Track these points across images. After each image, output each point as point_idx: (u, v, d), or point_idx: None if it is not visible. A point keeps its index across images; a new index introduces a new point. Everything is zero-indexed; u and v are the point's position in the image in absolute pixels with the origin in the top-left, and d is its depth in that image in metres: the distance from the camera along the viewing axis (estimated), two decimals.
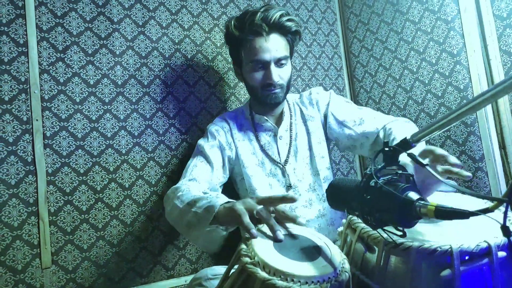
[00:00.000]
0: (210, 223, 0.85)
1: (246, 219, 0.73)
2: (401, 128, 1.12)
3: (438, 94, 1.44)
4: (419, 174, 0.72)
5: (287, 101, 1.36)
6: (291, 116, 1.34)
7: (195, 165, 1.21)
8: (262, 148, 1.29)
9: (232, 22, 1.22)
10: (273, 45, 1.18)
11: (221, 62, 1.57)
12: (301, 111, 1.36)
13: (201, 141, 1.28)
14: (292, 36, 1.25)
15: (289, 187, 1.26)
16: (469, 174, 0.73)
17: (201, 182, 1.15)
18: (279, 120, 1.32)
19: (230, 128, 1.31)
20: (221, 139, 1.27)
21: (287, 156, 1.29)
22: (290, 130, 1.32)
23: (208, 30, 1.56)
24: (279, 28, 1.19)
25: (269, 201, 0.78)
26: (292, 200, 0.76)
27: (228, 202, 0.86)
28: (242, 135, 1.31)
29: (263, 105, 1.29)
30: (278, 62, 1.20)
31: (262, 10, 1.18)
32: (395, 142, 0.78)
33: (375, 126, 1.21)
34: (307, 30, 1.79)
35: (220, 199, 0.89)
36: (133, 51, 1.40)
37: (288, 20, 1.19)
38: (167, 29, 1.47)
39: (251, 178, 1.26)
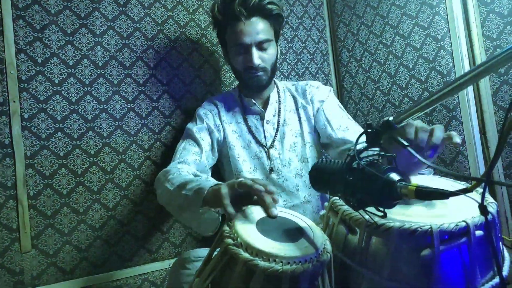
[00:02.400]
0: (201, 205, 0.85)
1: (226, 200, 0.73)
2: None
3: (421, 79, 1.45)
4: (401, 155, 0.73)
5: (277, 87, 1.37)
6: (279, 101, 1.34)
7: (184, 148, 1.22)
8: (250, 130, 1.30)
9: (216, 6, 1.22)
10: (254, 29, 1.18)
11: (205, 44, 1.55)
12: (295, 99, 1.36)
13: (189, 125, 1.29)
14: (274, 19, 1.24)
15: (271, 170, 1.27)
16: (459, 140, 0.74)
17: (191, 164, 1.16)
18: (265, 104, 1.33)
19: (219, 110, 1.32)
20: (209, 122, 1.28)
21: (273, 141, 1.30)
22: (278, 115, 1.32)
23: (192, 11, 1.52)
24: (259, 11, 1.18)
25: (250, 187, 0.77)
26: (271, 194, 0.74)
27: (217, 184, 0.85)
28: (230, 118, 1.32)
29: (248, 88, 1.30)
30: (260, 45, 1.20)
31: None
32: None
33: (356, 137, 1.21)
34: (293, 13, 1.77)
35: (210, 182, 0.88)
36: (114, 32, 1.36)
37: (269, 3, 1.19)
38: (150, 9, 1.43)
39: (237, 160, 1.27)
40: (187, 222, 1.06)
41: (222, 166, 1.35)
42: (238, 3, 1.15)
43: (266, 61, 1.22)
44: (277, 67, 1.32)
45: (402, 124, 0.64)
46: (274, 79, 1.35)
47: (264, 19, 1.20)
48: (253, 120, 1.32)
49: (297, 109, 1.35)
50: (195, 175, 1.08)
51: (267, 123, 1.31)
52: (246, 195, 0.76)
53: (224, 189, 0.75)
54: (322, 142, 1.34)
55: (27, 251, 1.18)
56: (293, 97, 1.37)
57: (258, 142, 1.29)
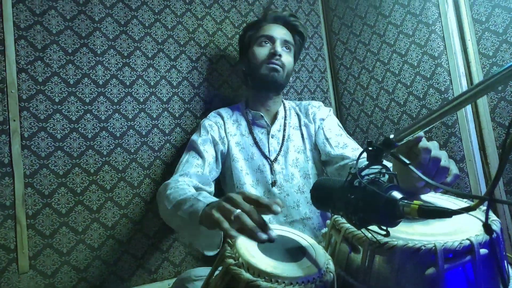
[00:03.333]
0: (198, 227, 0.82)
1: (225, 224, 0.68)
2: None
3: (419, 96, 1.46)
4: (402, 173, 0.73)
5: (284, 104, 1.42)
6: (285, 118, 1.38)
7: (187, 161, 1.21)
8: (255, 142, 1.32)
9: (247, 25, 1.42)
10: (282, 30, 1.34)
11: (205, 63, 1.56)
12: (298, 117, 1.41)
13: (194, 136, 1.29)
14: (297, 35, 1.40)
15: (274, 183, 1.27)
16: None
17: (192, 177, 1.15)
18: (273, 119, 1.37)
19: (224, 122, 1.34)
20: (214, 134, 1.29)
21: (277, 155, 1.31)
22: (284, 130, 1.35)
23: (192, 30, 1.54)
24: (286, 23, 1.36)
25: (254, 201, 0.74)
26: (274, 211, 0.72)
27: (209, 205, 0.80)
28: (235, 130, 1.34)
29: (260, 86, 1.33)
30: (285, 44, 1.32)
31: (273, 10, 1.41)
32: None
33: (354, 154, 1.24)
34: None
35: (201, 202, 0.84)
36: (115, 51, 1.37)
37: (295, 20, 1.38)
38: (150, 29, 1.45)
39: (240, 172, 1.27)
40: (189, 240, 1.05)
41: (224, 179, 1.35)
42: (272, 12, 1.37)
43: (285, 60, 1.31)
44: (289, 81, 1.43)
45: (405, 140, 0.64)
46: (282, 97, 1.41)
47: (290, 32, 1.36)
48: (258, 134, 1.34)
49: (300, 126, 1.38)
50: (196, 188, 1.08)
51: (272, 138, 1.33)
52: None
53: (217, 214, 0.71)
54: (322, 159, 1.36)
55: (25, 271, 1.16)
56: (297, 114, 1.41)
57: (262, 154, 1.30)
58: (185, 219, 0.87)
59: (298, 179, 1.30)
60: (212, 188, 1.21)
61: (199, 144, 1.24)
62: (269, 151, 1.31)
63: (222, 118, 1.35)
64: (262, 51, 1.31)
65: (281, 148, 1.32)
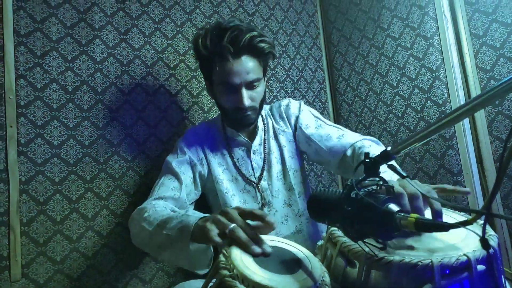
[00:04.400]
0: (189, 243, 0.79)
1: (217, 239, 0.68)
2: (372, 148, 1.09)
3: (417, 109, 1.47)
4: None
5: (261, 115, 1.30)
6: (264, 130, 1.29)
7: (163, 183, 1.13)
8: (235, 165, 1.24)
9: (200, 40, 1.13)
10: (244, 68, 1.09)
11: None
12: (273, 125, 1.31)
13: (169, 157, 1.21)
14: (264, 57, 1.18)
15: (262, 206, 1.22)
16: (467, 189, 0.73)
17: (168, 200, 1.08)
18: (252, 134, 1.27)
19: (202, 143, 1.25)
20: (191, 155, 1.20)
21: (261, 172, 1.24)
22: (264, 144, 1.27)
23: (192, 39, 1.55)
24: (250, 50, 1.10)
25: (249, 214, 0.74)
26: (269, 224, 0.70)
27: (201, 219, 0.79)
28: (215, 150, 1.25)
29: (235, 126, 1.24)
30: (250, 85, 1.12)
31: (230, 30, 1.07)
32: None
33: (341, 143, 1.17)
34: (290, 43, 1.81)
35: (191, 217, 0.82)
36: (114, 59, 1.38)
37: (260, 41, 1.11)
38: (150, 38, 1.46)
39: (226, 194, 1.20)
40: (171, 260, 0.97)
41: (209, 201, 1.29)
42: (227, 41, 1.06)
43: (255, 99, 1.15)
44: (264, 102, 1.24)
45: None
46: None
47: (254, 58, 1.12)
48: (238, 152, 1.26)
49: (275, 135, 1.30)
50: (173, 211, 0.99)
51: (254, 154, 1.25)
52: None
53: (211, 227, 0.71)
54: (313, 159, 1.29)
55: (17, 280, 1.14)
56: (272, 122, 1.32)
57: (244, 177, 1.23)
58: (171, 236, 0.83)
59: (284, 193, 1.25)
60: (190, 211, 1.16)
61: (175, 166, 1.16)
62: (252, 169, 1.25)
63: (200, 138, 1.26)
64: (227, 100, 1.15)
65: (264, 163, 1.25)
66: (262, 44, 1.12)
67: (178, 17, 1.53)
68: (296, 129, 1.28)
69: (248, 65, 1.10)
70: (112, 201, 1.32)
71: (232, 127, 1.25)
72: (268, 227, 0.71)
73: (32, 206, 1.19)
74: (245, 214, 0.73)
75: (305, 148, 1.28)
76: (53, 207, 1.22)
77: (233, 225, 0.69)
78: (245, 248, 0.65)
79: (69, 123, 1.28)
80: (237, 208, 0.74)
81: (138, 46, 1.43)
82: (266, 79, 1.26)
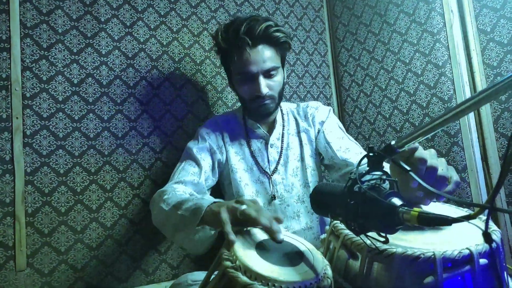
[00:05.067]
0: (198, 224, 0.83)
1: (227, 227, 0.69)
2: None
3: (423, 105, 1.46)
4: (403, 182, 0.72)
5: (281, 110, 1.34)
6: (283, 125, 1.32)
7: (183, 168, 1.17)
8: (252, 154, 1.27)
9: (219, 33, 1.18)
10: (260, 57, 1.14)
11: (209, 66, 1.57)
12: (296, 122, 1.34)
13: (190, 144, 1.25)
14: (281, 46, 1.21)
15: (273, 198, 1.24)
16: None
17: (188, 185, 1.12)
18: (271, 128, 1.30)
19: (222, 131, 1.29)
20: (211, 142, 1.24)
21: (276, 165, 1.27)
22: (282, 139, 1.29)
23: (197, 33, 1.55)
24: (266, 39, 1.15)
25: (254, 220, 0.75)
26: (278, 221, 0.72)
27: (214, 202, 0.82)
28: (233, 140, 1.29)
29: (254, 115, 1.27)
30: (267, 73, 1.16)
31: (247, 21, 1.13)
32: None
33: (357, 159, 1.19)
34: (296, 38, 1.80)
35: (206, 200, 0.85)
36: (120, 52, 1.38)
37: (276, 31, 1.15)
38: (155, 31, 1.46)
39: (239, 183, 1.24)
40: (179, 241, 1.01)
41: (223, 188, 1.33)
42: (243, 32, 1.11)
43: (273, 88, 1.18)
44: (283, 93, 1.28)
45: (406, 148, 0.64)
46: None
47: (271, 47, 1.17)
48: (256, 143, 1.29)
49: (298, 132, 1.32)
50: (191, 195, 1.05)
51: (271, 147, 1.28)
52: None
53: (224, 214, 0.72)
54: (325, 163, 1.32)
55: (22, 269, 1.16)
56: (295, 119, 1.35)
57: (260, 167, 1.26)
58: (185, 217, 0.86)
59: (298, 189, 1.27)
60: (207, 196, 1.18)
61: (196, 152, 1.20)
62: (268, 162, 1.27)
63: (220, 126, 1.30)
64: (246, 89, 1.19)
65: (280, 157, 1.28)
66: (277, 34, 1.15)
67: (183, 11, 1.53)
68: (319, 132, 1.30)
69: (264, 54, 1.15)
70: (116, 193, 1.32)
71: (252, 118, 1.28)
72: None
73: (37, 197, 1.20)
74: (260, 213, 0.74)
75: (323, 152, 1.30)
76: (57, 198, 1.23)
77: (243, 206, 0.71)
78: (256, 221, 0.68)
79: (74, 115, 1.28)
80: (254, 202, 0.76)
81: (143, 39, 1.43)
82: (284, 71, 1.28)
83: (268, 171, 1.26)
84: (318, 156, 1.33)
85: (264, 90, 1.15)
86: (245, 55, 1.13)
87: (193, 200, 0.89)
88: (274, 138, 1.29)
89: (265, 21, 1.14)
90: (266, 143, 1.29)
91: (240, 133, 1.30)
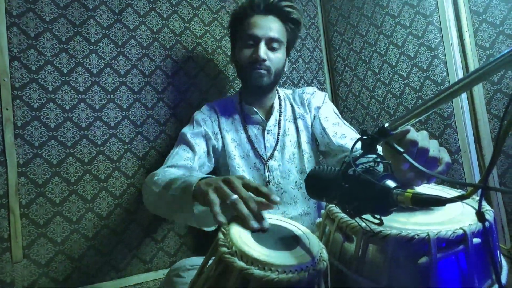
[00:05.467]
0: (192, 203, 0.79)
1: (216, 208, 0.68)
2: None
3: (416, 88, 1.46)
4: (394, 164, 0.72)
5: (278, 95, 1.34)
6: (280, 111, 1.31)
7: (177, 153, 1.16)
8: (249, 140, 1.27)
9: (240, 3, 1.26)
10: (268, 24, 1.18)
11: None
12: (293, 108, 1.33)
13: (185, 129, 1.24)
14: (291, 24, 1.24)
15: (268, 183, 1.24)
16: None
17: (180, 168, 1.10)
18: (268, 114, 1.30)
19: (218, 117, 1.28)
20: (207, 128, 1.23)
21: (273, 152, 1.27)
22: (279, 125, 1.29)
23: (188, 19, 1.53)
24: (277, 11, 1.20)
25: (253, 189, 0.73)
26: (273, 202, 0.70)
27: (204, 178, 0.80)
28: (230, 125, 1.28)
29: (248, 87, 1.26)
30: (270, 43, 1.19)
31: None
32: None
33: (352, 144, 1.19)
34: None
35: (194, 177, 0.83)
36: (109, 39, 1.36)
37: (288, 6, 1.20)
38: (145, 18, 1.44)
39: (237, 169, 1.24)
40: (182, 221, 0.99)
41: (219, 174, 1.32)
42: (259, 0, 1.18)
43: (272, 61, 1.19)
44: (281, 77, 1.29)
45: (398, 130, 0.64)
46: (276, 88, 1.33)
47: (280, 21, 1.21)
48: (253, 129, 1.28)
49: (294, 118, 1.32)
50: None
51: (268, 133, 1.28)
52: None
53: (212, 195, 0.70)
54: (321, 150, 1.32)
55: (18, 261, 1.16)
56: (291, 105, 1.34)
57: (256, 153, 1.26)
58: (176, 196, 0.84)
59: (295, 175, 1.27)
60: None
61: (190, 137, 1.20)
62: (265, 148, 1.26)
63: (216, 112, 1.29)
64: (245, 53, 1.20)
65: (276, 143, 1.27)
66: (289, 9, 1.21)
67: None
68: (315, 118, 1.30)
69: (272, 23, 1.20)
70: (111, 183, 1.32)
71: (250, 101, 1.29)
72: (269, 206, 0.70)
73: (31, 189, 1.19)
74: (249, 187, 0.72)
75: (319, 138, 1.30)
76: (52, 189, 1.22)
77: (235, 196, 0.69)
78: (245, 222, 0.66)
79: (65, 105, 1.27)
80: (241, 178, 0.74)
81: (133, 26, 1.41)
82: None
83: (265, 157, 1.26)
84: (315, 142, 1.33)
85: (263, 55, 1.17)
86: (255, 18, 1.19)
87: (181, 178, 0.87)
88: (271, 124, 1.29)
89: None
90: (263, 129, 1.28)
91: (236, 119, 1.29)
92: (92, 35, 1.33)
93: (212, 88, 1.56)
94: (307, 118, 1.32)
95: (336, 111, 1.35)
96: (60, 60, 1.27)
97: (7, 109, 1.18)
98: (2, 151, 1.16)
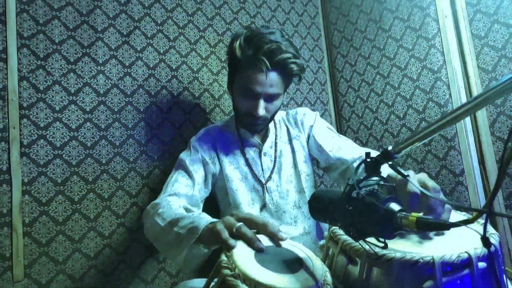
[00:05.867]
0: (193, 243, 0.82)
1: (225, 234, 0.71)
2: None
3: (419, 110, 1.47)
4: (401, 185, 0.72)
5: (273, 120, 1.33)
6: (276, 134, 1.32)
7: (176, 180, 1.16)
8: (247, 163, 1.27)
9: (238, 41, 1.14)
10: (269, 81, 1.12)
11: (206, 73, 1.57)
12: (288, 130, 1.35)
13: (183, 155, 1.24)
14: (291, 77, 1.20)
15: (264, 205, 1.24)
16: None
17: (182, 197, 1.12)
18: (264, 137, 1.30)
19: (215, 142, 1.28)
20: (204, 154, 1.24)
21: (271, 174, 1.27)
22: (275, 147, 1.30)
23: (194, 41, 1.56)
24: (281, 67, 1.13)
25: (249, 222, 0.75)
26: (280, 239, 0.73)
27: (212, 222, 0.82)
28: (227, 149, 1.28)
29: (243, 127, 1.27)
30: (269, 98, 1.16)
31: (270, 44, 1.08)
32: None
33: (351, 155, 1.21)
34: None
35: (203, 219, 0.85)
36: (117, 61, 1.39)
37: (293, 63, 1.13)
38: (152, 39, 1.47)
39: (236, 192, 1.23)
40: (171, 257, 0.99)
41: (217, 199, 1.31)
42: (263, 53, 1.08)
43: (270, 111, 1.19)
44: (277, 113, 1.27)
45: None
46: None
47: (281, 75, 1.14)
48: (250, 152, 1.29)
49: (290, 139, 1.33)
50: (186, 209, 1.04)
51: (265, 155, 1.28)
52: None
53: (220, 226, 0.74)
54: (322, 166, 1.33)
55: (19, 280, 1.15)
56: (286, 127, 1.35)
57: (254, 175, 1.26)
58: (181, 234, 0.85)
59: (294, 195, 1.27)
60: (200, 210, 1.18)
61: (188, 163, 1.19)
62: (262, 170, 1.27)
63: (212, 137, 1.29)
64: (243, 103, 1.17)
65: (274, 165, 1.28)
66: (293, 66, 1.13)
67: (180, 19, 1.54)
68: (309, 137, 1.32)
69: (273, 80, 1.13)
70: (114, 202, 1.32)
71: (244, 128, 1.28)
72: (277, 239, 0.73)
73: (34, 207, 1.20)
74: (258, 225, 0.75)
75: (316, 156, 1.31)
76: (55, 208, 1.23)
77: (239, 223, 0.73)
78: (250, 244, 0.69)
79: (71, 124, 1.28)
80: (250, 215, 0.77)
81: (140, 48, 1.44)
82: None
83: (263, 179, 1.26)
84: (312, 161, 1.34)
85: (261, 112, 1.15)
86: (255, 74, 1.11)
87: (190, 218, 0.88)
88: (267, 146, 1.29)
89: (286, 51, 1.11)
90: (260, 152, 1.28)
91: (233, 142, 1.30)
92: (100, 56, 1.36)
93: (216, 108, 1.57)
94: (302, 138, 1.33)
95: (330, 126, 1.36)
96: (68, 80, 1.29)
97: (14, 127, 1.19)
98: (7, 169, 1.17)
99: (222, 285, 0.61)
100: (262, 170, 1.27)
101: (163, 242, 0.96)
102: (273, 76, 1.13)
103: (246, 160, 1.28)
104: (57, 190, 1.23)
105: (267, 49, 1.08)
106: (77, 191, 1.26)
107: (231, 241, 0.68)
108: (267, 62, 1.08)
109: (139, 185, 1.37)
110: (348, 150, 1.23)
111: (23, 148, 1.20)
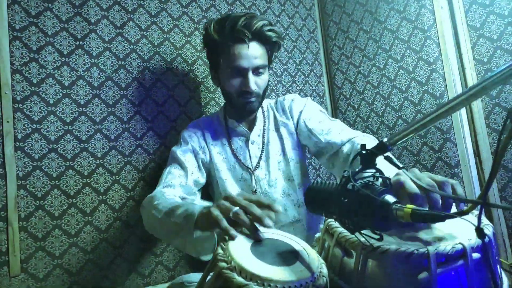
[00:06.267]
0: (193, 231, 0.83)
1: (224, 223, 0.71)
2: (370, 143, 1.10)
3: (415, 101, 1.47)
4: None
5: (262, 106, 1.34)
6: (264, 121, 1.32)
7: (170, 172, 1.19)
8: (234, 153, 1.28)
9: (212, 24, 1.18)
10: (253, 53, 1.15)
11: (201, 66, 1.56)
12: (275, 117, 1.34)
13: (174, 148, 1.26)
14: (271, 46, 1.23)
15: (254, 192, 1.25)
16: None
17: (176, 188, 1.13)
18: (251, 125, 1.30)
19: (203, 133, 1.30)
20: (194, 144, 1.26)
21: (259, 162, 1.28)
22: (263, 135, 1.30)
23: (189, 33, 1.55)
24: (259, 37, 1.17)
25: (255, 202, 0.75)
26: (275, 211, 0.75)
27: (206, 207, 0.83)
28: (215, 140, 1.30)
29: (238, 112, 1.27)
30: (256, 70, 1.18)
31: (245, 17, 1.14)
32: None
33: (340, 138, 1.19)
34: (288, 36, 1.80)
35: (197, 205, 0.86)
36: (111, 53, 1.37)
37: (270, 30, 1.17)
38: (146, 31, 1.45)
39: (225, 182, 1.26)
40: (180, 247, 1.02)
41: (211, 188, 1.33)
42: (240, 25, 1.12)
43: (260, 86, 1.20)
44: (266, 92, 1.28)
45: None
46: None
47: (262, 45, 1.19)
48: (237, 141, 1.30)
49: (277, 128, 1.32)
50: (182, 198, 1.07)
51: (252, 144, 1.28)
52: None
53: (216, 211, 0.74)
54: (313, 152, 1.31)
55: (16, 275, 1.15)
56: (274, 114, 1.34)
57: (242, 165, 1.27)
58: (179, 223, 0.87)
59: (282, 183, 1.27)
60: (198, 198, 1.18)
61: (179, 155, 1.22)
62: (250, 159, 1.27)
63: (201, 128, 1.31)
64: (233, 83, 1.18)
65: (261, 153, 1.28)
66: (270, 33, 1.18)
67: (174, 11, 1.52)
68: (299, 123, 1.30)
69: (256, 51, 1.17)
70: (111, 196, 1.32)
71: (234, 117, 1.29)
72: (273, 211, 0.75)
73: (30, 201, 1.19)
74: (251, 201, 0.75)
75: (306, 141, 1.29)
76: (51, 202, 1.22)
77: (236, 208, 0.73)
78: (251, 230, 0.70)
79: (66, 118, 1.27)
80: (242, 195, 0.78)
81: (134, 40, 1.42)
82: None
83: (251, 168, 1.27)
84: (302, 148, 1.33)
85: (253, 86, 1.16)
86: (239, 49, 1.15)
87: (184, 206, 0.90)
88: (255, 134, 1.29)
89: (261, 19, 1.16)
90: (247, 140, 1.29)
91: (221, 133, 1.31)
92: (94, 49, 1.34)
93: (212, 101, 1.57)
94: (290, 125, 1.32)
95: (321, 108, 1.34)
96: (61, 73, 1.28)
97: (7, 121, 1.18)
98: (2, 164, 1.16)
99: (218, 278, 0.62)
100: (250, 158, 1.28)
101: (163, 232, 0.98)
102: (255, 46, 1.17)
103: (233, 151, 1.29)
104: (52, 184, 1.23)
105: (243, 21, 1.13)
106: (72, 185, 1.26)
107: (233, 232, 0.69)
108: (246, 31, 1.13)
109: (135, 179, 1.36)
110: (337, 132, 1.21)
111: (17, 142, 1.19)
